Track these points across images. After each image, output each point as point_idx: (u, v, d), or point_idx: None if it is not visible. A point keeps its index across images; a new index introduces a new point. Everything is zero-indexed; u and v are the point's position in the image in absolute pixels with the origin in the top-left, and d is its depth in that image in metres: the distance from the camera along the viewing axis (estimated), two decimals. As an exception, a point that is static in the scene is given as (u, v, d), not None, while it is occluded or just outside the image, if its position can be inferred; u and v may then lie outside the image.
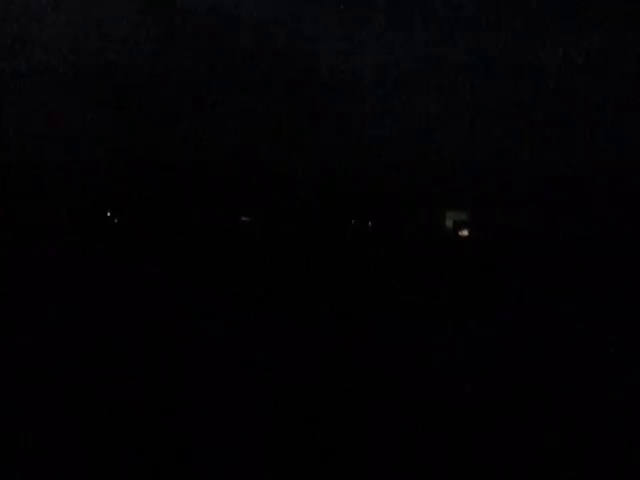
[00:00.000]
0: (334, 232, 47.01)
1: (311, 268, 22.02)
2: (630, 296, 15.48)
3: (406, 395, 6.89)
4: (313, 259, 26.30)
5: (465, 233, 54.09)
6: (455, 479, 5.08)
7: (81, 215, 45.77)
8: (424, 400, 6.75)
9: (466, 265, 26.22)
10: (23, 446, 5.33)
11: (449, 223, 55.52)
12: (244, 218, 53.26)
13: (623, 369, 8.31)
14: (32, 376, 7.18)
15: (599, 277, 20.68)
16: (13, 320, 10.46)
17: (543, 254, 33.31)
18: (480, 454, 5.46)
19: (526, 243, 43.33)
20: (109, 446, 5.37)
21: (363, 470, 5.15)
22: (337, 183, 51.78)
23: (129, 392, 6.71)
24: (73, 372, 7.40)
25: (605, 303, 14.31)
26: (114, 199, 48.22)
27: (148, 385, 7.00)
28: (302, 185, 52.16)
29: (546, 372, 8.02)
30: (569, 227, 51.68)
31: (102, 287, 15.04)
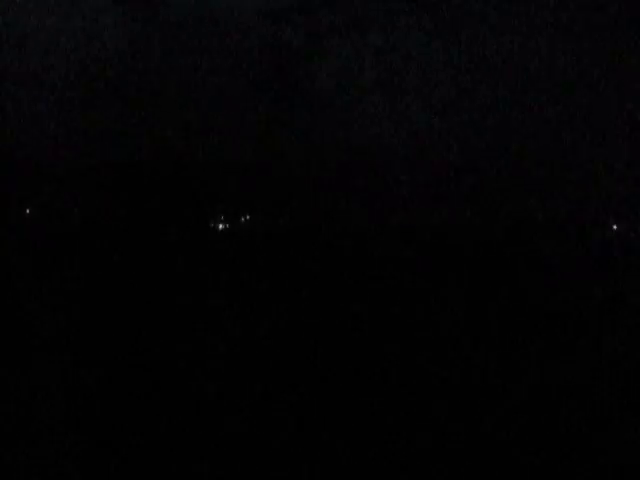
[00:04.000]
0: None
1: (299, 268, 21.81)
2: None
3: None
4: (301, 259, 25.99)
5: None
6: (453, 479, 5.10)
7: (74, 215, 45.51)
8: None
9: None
10: (23, 446, 5.33)
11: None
12: (242, 219, 53.19)
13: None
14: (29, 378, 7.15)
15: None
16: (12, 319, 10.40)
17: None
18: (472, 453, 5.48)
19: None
20: (109, 446, 5.37)
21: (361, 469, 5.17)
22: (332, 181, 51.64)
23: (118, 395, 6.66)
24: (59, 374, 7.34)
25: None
26: (103, 199, 47.88)
27: (135, 390, 6.94)
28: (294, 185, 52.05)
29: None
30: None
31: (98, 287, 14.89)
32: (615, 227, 48.81)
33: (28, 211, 44.91)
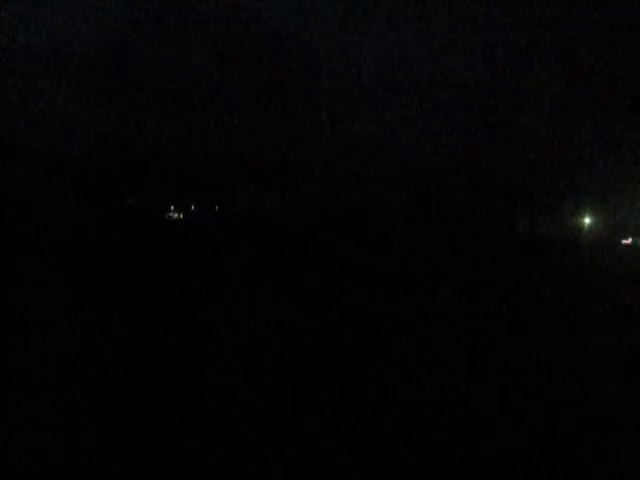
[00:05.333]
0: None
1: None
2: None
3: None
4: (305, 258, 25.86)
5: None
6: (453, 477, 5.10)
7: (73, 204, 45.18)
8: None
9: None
10: (23, 445, 5.32)
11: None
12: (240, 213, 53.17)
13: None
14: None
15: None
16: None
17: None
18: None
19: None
20: (108, 445, 5.36)
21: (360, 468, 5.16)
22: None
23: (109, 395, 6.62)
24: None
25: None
26: (102, 189, 47.62)
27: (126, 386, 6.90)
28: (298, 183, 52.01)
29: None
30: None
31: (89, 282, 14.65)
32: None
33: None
